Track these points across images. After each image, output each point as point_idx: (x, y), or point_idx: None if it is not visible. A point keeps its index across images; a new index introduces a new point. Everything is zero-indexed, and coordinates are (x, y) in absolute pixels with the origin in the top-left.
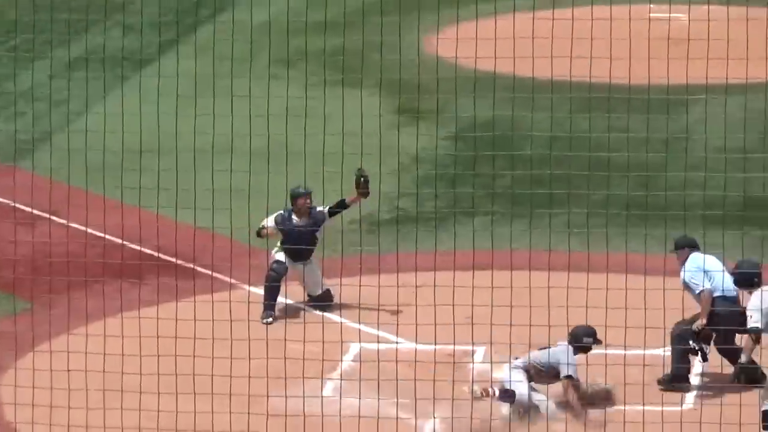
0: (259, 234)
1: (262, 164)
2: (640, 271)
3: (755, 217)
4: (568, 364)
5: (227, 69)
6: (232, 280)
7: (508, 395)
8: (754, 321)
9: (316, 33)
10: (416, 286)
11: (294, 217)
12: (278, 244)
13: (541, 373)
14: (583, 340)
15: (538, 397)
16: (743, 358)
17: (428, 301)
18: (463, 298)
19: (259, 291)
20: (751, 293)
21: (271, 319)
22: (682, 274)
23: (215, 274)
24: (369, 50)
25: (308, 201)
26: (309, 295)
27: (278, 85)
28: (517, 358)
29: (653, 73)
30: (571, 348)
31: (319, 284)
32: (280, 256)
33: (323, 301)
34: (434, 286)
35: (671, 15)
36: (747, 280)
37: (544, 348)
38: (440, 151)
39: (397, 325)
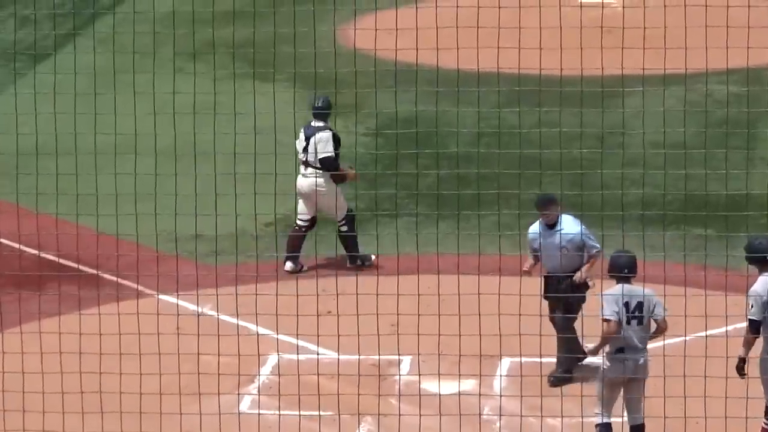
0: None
1: (168, 165)
2: None
3: (696, 216)
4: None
5: (130, 63)
6: (140, 287)
7: None
8: (752, 313)
9: (224, 24)
10: (337, 294)
11: None
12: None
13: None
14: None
15: None
16: (741, 352)
17: (350, 308)
18: (388, 305)
19: (170, 299)
20: (759, 274)
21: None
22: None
23: (121, 281)
24: (281, 42)
25: None
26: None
27: (185, 80)
28: None
29: (586, 63)
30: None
31: None
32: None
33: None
34: (356, 294)
35: (604, 1)
36: (758, 259)
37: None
38: (360, 149)
39: (318, 335)
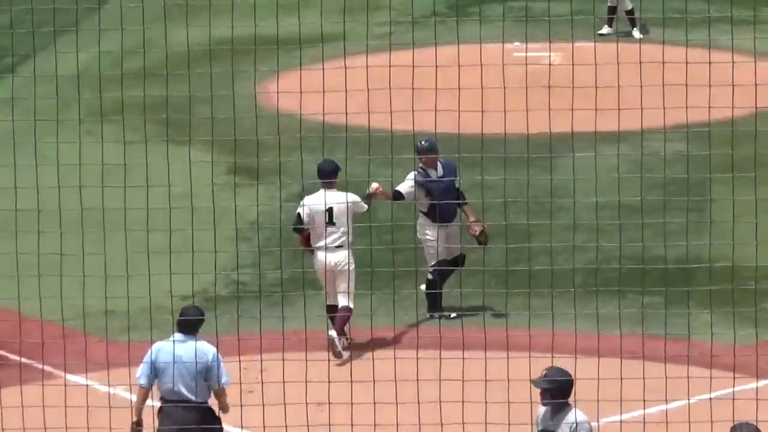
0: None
1: (77, 238)
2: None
3: (633, 288)
4: None
5: (37, 127)
6: (46, 367)
7: None
8: None
9: (136, 85)
10: (261, 371)
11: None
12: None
13: None
14: None
15: None
16: None
17: (276, 388)
18: (316, 386)
19: (79, 378)
20: None
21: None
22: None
23: (25, 361)
24: (198, 103)
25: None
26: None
27: (94, 143)
28: None
29: (529, 123)
30: None
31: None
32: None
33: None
34: (283, 369)
35: (539, 54)
36: None
37: None
38: (283, 216)
39: (241, 409)
